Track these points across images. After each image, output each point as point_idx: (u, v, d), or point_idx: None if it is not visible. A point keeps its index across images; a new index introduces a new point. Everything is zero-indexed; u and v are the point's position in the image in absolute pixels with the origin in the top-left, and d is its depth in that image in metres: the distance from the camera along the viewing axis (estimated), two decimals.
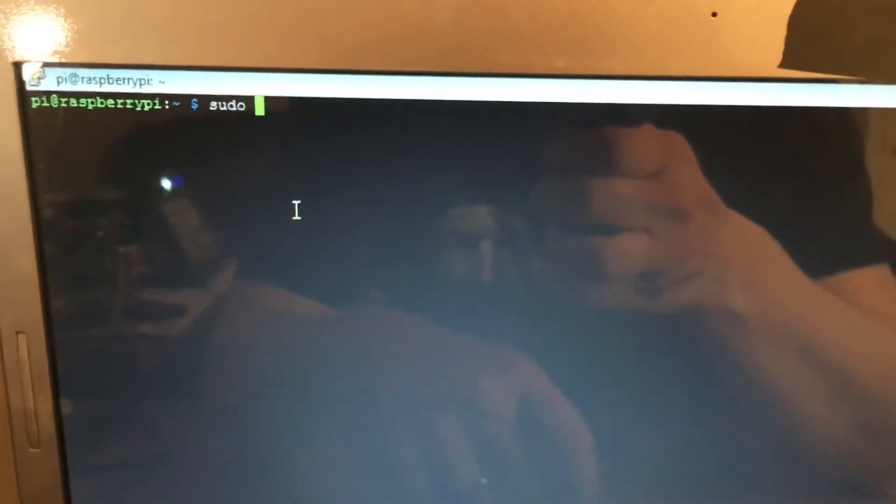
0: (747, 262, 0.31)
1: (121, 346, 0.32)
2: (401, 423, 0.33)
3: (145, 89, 0.29)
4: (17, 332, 0.31)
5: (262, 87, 0.29)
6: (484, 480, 0.33)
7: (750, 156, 0.30)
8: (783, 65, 0.28)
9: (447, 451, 0.33)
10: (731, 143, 0.30)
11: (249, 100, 0.29)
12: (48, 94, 0.29)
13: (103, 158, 0.30)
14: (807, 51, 0.28)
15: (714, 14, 0.28)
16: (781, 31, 0.28)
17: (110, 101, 0.29)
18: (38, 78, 0.29)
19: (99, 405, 0.32)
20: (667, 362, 0.32)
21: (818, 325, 0.32)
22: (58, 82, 0.29)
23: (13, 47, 0.29)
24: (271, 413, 0.33)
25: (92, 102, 0.29)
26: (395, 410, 0.32)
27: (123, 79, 0.29)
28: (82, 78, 0.29)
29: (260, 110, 0.29)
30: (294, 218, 0.30)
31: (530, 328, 0.32)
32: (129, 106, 0.29)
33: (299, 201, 0.30)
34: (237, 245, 0.31)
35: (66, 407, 0.32)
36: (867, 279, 0.32)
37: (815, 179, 0.30)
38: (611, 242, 0.30)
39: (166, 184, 0.30)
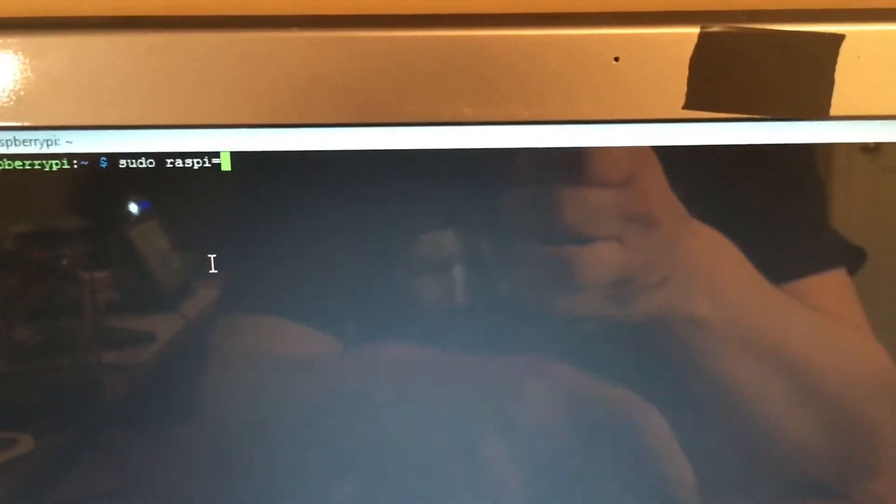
0: (712, 269, 0.31)
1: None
2: (373, 453, 0.33)
3: (52, 149, 0.29)
4: None
5: (171, 143, 0.29)
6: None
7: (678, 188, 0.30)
8: (687, 106, 0.28)
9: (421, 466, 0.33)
10: None
11: (159, 156, 0.29)
12: None
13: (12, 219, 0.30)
14: (709, 91, 0.28)
15: (616, 59, 0.28)
16: (683, 74, 0.28)
17: (18, 163, 0.29)
18: None
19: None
20: (636, 368, 0.32)
21: (784, 329, 0.32)
22: None
23: None
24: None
25: None
26: (367, 445, 0.32)
27: (30, 140, 0.29)
28: None
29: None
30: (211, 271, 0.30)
31: (509, 342, 0.32)
32: (37, 167, 0.29)
33: (215, 255, 0.30)
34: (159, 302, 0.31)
35: None
36: (828, 283, 0.32)
37: (736, 215, 0.31)
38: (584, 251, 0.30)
39: (80, 242, 0.30)
